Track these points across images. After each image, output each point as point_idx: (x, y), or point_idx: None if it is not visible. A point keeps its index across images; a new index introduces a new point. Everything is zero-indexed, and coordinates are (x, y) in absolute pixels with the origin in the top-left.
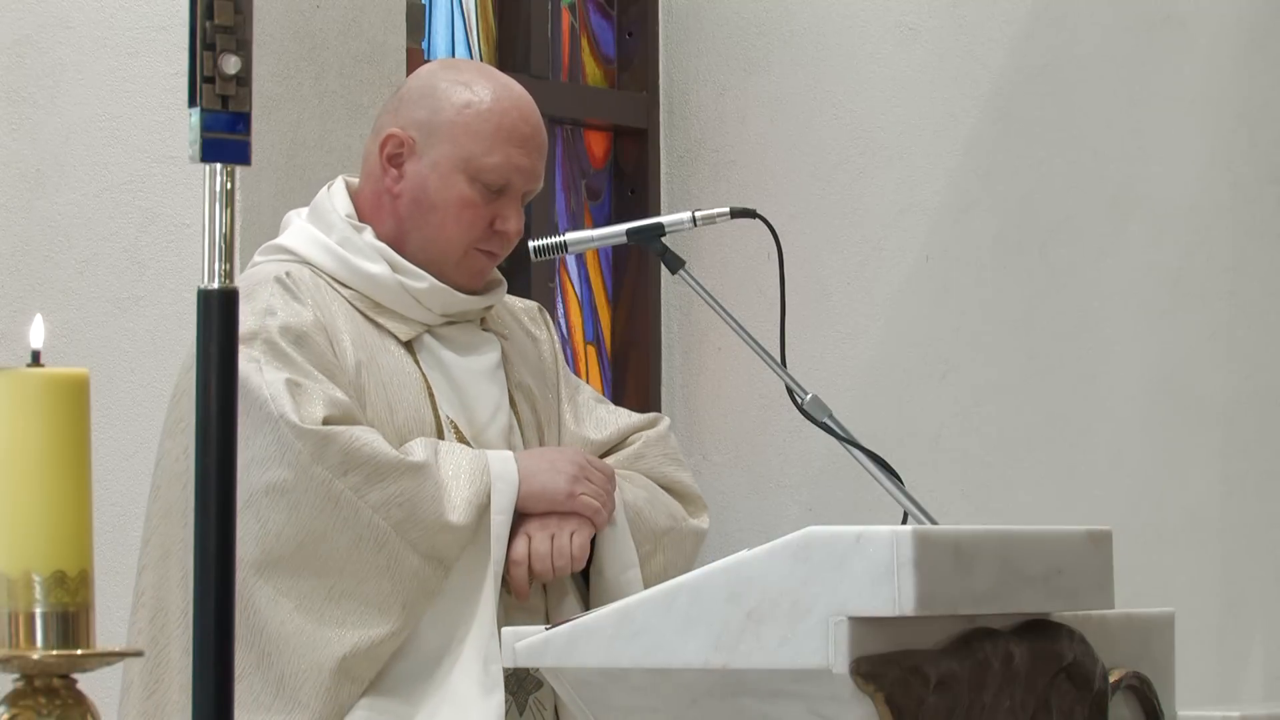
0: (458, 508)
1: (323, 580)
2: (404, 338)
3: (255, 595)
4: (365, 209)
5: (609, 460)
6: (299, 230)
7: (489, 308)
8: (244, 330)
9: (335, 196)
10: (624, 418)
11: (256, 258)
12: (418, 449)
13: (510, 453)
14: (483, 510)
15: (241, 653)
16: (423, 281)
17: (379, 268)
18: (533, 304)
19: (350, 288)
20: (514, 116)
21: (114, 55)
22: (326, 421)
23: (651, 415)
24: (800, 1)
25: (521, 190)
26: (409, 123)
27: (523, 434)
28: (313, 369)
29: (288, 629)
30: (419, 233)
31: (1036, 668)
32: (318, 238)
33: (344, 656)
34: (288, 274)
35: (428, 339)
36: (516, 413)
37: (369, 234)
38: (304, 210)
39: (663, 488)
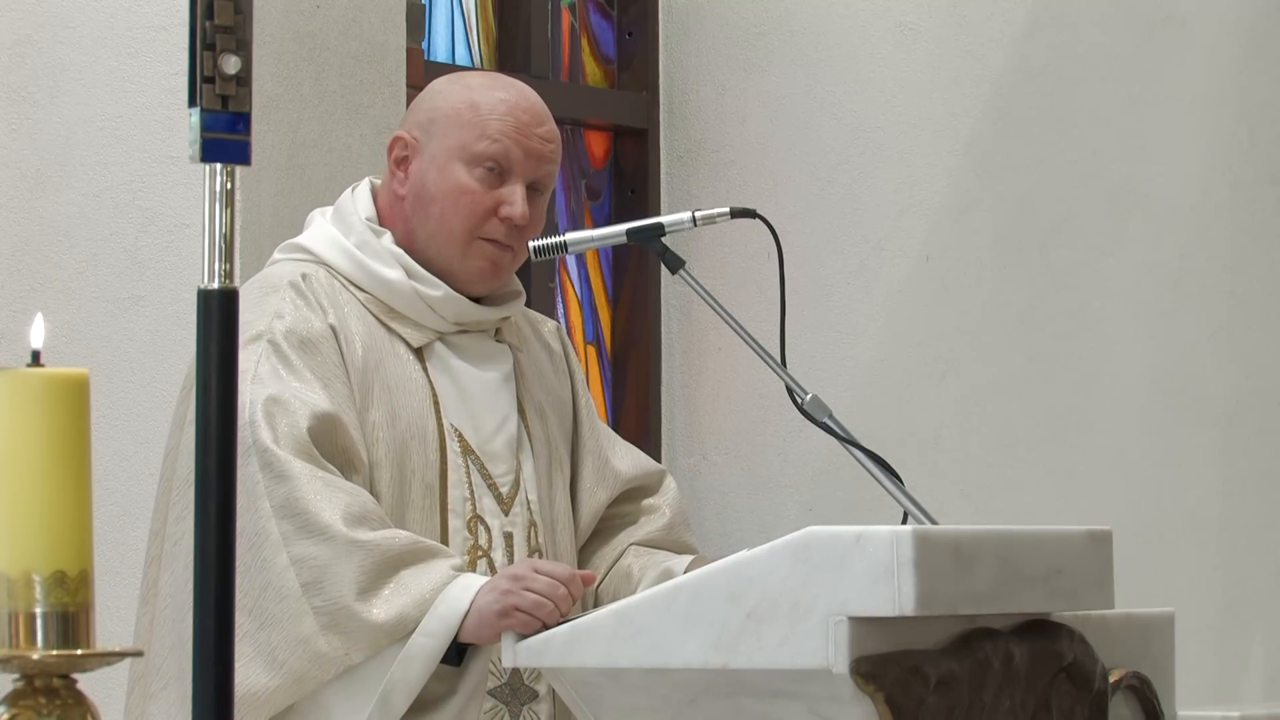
0: (383, 607)
1: (248, 616)
2: (415, 344)
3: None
4: (383, 216)
5: (646, 531)
6: (319, 230)
7: (505, 319)
8: (252, 330)
9: (359, 199)
10: (639, 455)
11: (276, 255)
12: (385, 538)
13: (481, 582)
14: (409, 625)
15: (173, 660)
16: (438, 289)
17: (395, 273)
18: (554, 321)
19: (365, 291)
20: (510, 104)
21: (114, 55)
22: (308, 433)
23: (658, 466)
24: (800, 1)
25: (525, 176)
26: (412, 125)
27: (533, 448)
28: (310, 375)
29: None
30: (423, 228)
31: (1036, 668)
32: (336, 239)
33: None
34: (304, 277)
35: (439, 346)
36: (527, 427)
37: (388, 239)
38: (329, 209)
39: (679, 553)
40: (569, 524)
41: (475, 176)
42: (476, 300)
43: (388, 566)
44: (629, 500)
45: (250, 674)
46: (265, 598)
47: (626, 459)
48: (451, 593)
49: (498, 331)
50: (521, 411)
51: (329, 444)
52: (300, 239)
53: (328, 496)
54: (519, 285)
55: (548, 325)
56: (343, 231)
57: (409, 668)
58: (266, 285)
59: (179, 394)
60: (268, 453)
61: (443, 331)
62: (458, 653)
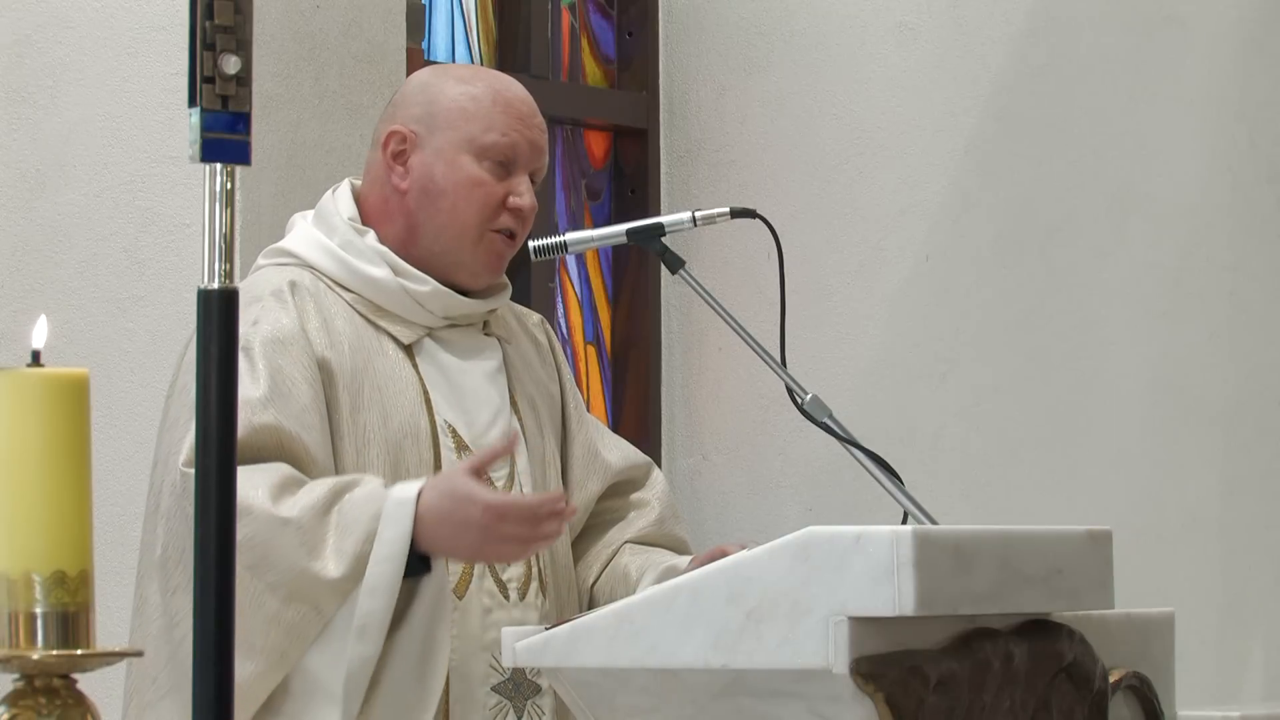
0: (335, 558)
1: None
2: (405, 341)
3: (182, 616)
4: (372, 214)
5: (638, 528)
6: (302, 233)
7: (492, 311)
8: None
9: (340, 200)
10: (626, 447)
11: (260, 260)
12: (306, 495)
13: (413, 495)
14: (365, 562)
15: (169, 671)
16: (425, 284)
17: (381, 271)
18: (537, 315)
19: (351, 291)
20: (508, 96)
21: (114, 55)
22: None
23: (645, 458)
24: (800, 1)
25: (528, 167)
26: (408, 118)
27: (525, 441)
28: (268, 379)
29: (185, 651)
30: (432, 222)
31: (1036, 668)
32: (320, 241)
33: None
34: (291, 284)
35: (428, 342)
36: (520, 419)
37: (371, 237)
38: (309, 213)
39: (670, 548)
40: None
41: (485, 168)
42: (464, 293)
43: (320, 515)
44: (617, 495)
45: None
46: None
47: (615, 450)
48: (389, 512)
49: (486, 325)
50: (513, 404)
51: (272, 456)
52: (283, 243)
53: (246, 478)
54: (505, 278)
55: (532, 318)
56: (325, 233)
57: (374, 599)
58: (249, 295)
59: (165, 401)
60: (184, 477)
61: (431, 327)
62: (420, 559)
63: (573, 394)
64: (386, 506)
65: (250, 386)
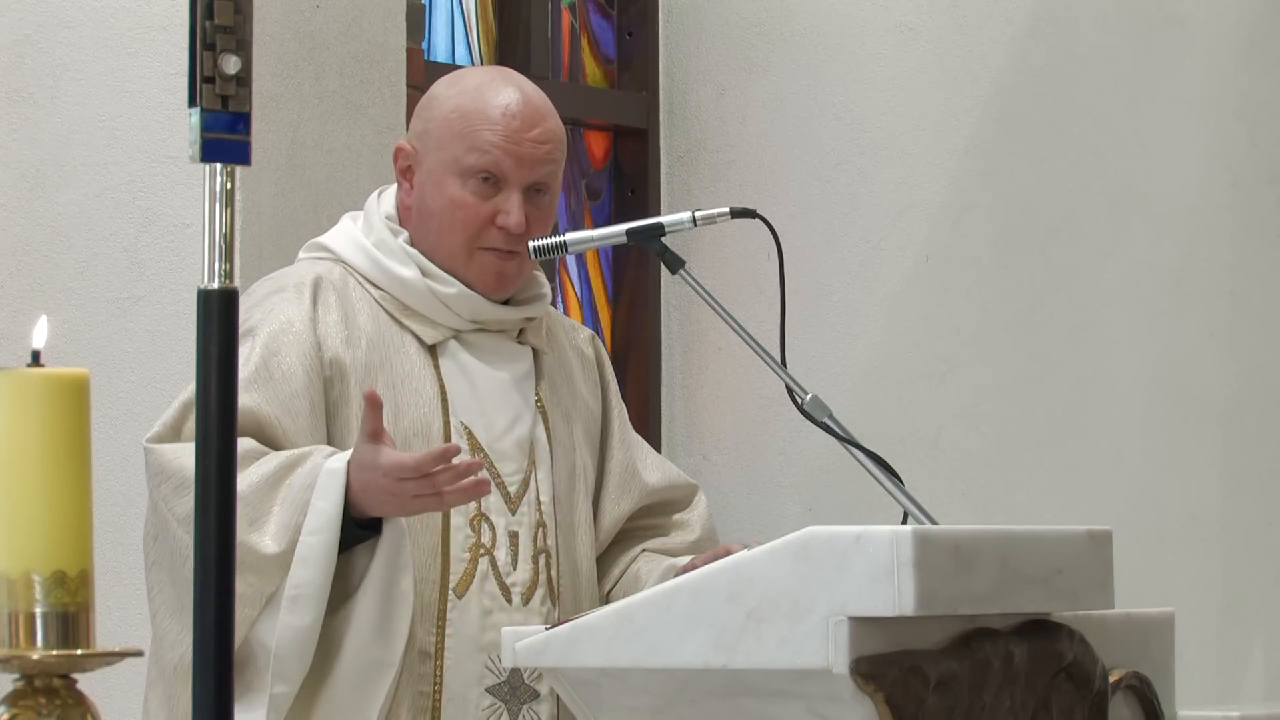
0: (275, 532)
1: (174, 588)
2: (429, 341)
3: (155, 591)
4: (401, 219)
5: (673, 544)
6: (341, 230)
7: (528, 320)
8: (244, 326)
9: (384, 200)
10: (670, 469)
11: (300, 254)
12: (257, 468)
13: (344, 465)
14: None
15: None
16: (452, 287)
17: (410, 271)
18: (588, 330)
19: (380, 288)
20: (501, 109)
21: (114, 55)
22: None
23: (690, 481)
24: (800, 1)
25: (521, 181)
26: (413, 134)
27: (551, 449)
28: (261, 366)
29: (161, 627)
30: (426, 241)
31: (1036, 668)
32: (356, 238)
33: (175, 665)
34: (317, 279)
35: (453, 344)
36: (549, 430)
37: (405, 238)
38: (359, 213)
39: None
40: (589, 530)
41: (469, 189)
42: (504, 300)
43: (268, 489)
44: (657, 513)
45: (186, 642)
46: (175, 562)
47: (656, 471)
48: (321, 483)
49: (521, 333)
50: (544, 414)
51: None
52: (322, 238)
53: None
54: (544, 288)
55: (583, 333)
56: (364, 231)
57: (306, 569)
58: (275, 286)
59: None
60: (149, 453)
61: (459, 329)
62: (367, 523)
63: (618, 413)
64: (320, 478)
65: (240, 368)
